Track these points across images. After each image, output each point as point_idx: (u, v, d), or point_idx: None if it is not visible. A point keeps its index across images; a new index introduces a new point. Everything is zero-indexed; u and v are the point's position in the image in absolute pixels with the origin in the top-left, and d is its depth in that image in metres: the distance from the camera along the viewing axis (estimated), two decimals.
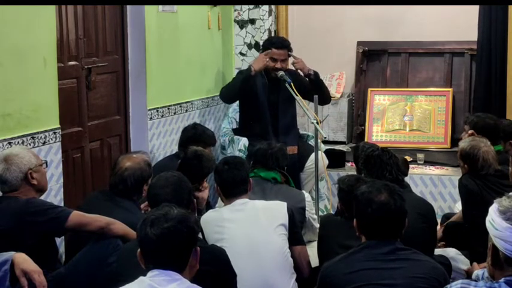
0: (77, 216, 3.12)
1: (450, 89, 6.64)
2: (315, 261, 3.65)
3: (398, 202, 2.68)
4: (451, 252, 3.89)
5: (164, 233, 2.19)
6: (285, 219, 3.31)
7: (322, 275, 2.69)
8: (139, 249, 2.26)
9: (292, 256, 3.33)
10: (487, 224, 2.08)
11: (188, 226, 2.23)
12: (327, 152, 5.45)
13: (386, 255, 2.62)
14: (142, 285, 2.19)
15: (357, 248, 2.69)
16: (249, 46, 6.15)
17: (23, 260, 2.74)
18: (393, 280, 2.56)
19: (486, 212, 3.64)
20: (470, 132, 4.50)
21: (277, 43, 5.16)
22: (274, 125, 5.16)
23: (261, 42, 5.96)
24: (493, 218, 2.06)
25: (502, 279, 2.01)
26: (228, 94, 5.22)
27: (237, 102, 5.49)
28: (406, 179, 4.06)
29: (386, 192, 2.69)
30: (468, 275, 3.57)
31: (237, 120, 5.66)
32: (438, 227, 4.04)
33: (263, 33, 6.10)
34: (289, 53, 5.20)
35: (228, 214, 3.30)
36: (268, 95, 5.14)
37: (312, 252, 3.69)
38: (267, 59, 5.06)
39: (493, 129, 4.42)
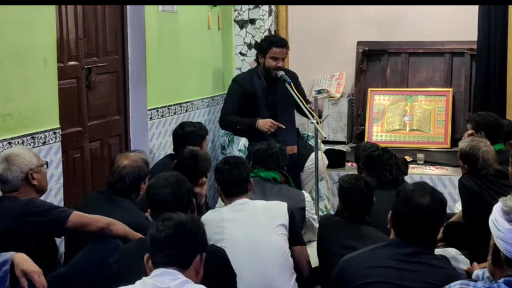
0: (77, 216, 3.12)
1: (450, 89, 6.64)
2: (314, 260, 3.65)
3: (438, 210, 2.66)
4: (451, 252, 3.89)
5: (176, 225, 2.27)
6: (285, 219, 3.31)
7: (341, 266, 2.69)
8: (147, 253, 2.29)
9: (292, 256, 3.33)
10: (490, 223, 2.05)
11: (200, 227, 2.33)
12: (327, 152, 5.44)
13: (407, 256, 2.60)
14: (145, 285, 2.21)
15: (380, 244, 2.68)
16: (249, 46, 6.14)
17: (23, 260, 2.74)
18: (410, 282, 2.55)
19: (486, 212, 3.63)
20: (470, 132, 4.50)
21: (278, 42, 5.17)
22: None
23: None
24: (496, 217, 2.03)
25: (502, 280, 2.00)
26: (226, 128, 5.34)
27: None
28: (407, 179, 4.06)
29: (430, 196, 2.66)
30: (468, 275, 3.56)
31: None
32: None
33: (263, 33, 6.09)
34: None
35: (228, 214, 3.30)
36: (266, 96, 5.14)
37: (312, 252, 3.69)
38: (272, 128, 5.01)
39: (495, 127, 4.42)
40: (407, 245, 2.63)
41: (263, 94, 5.12)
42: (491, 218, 2.05)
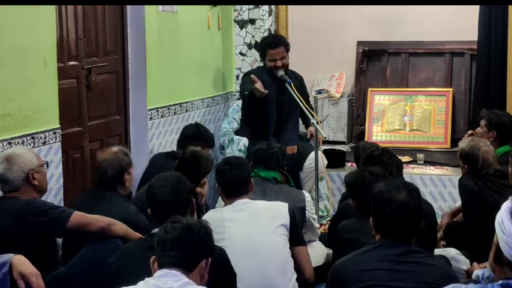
0: (78, 216, 3.12)
1: (450, 89, 6.64)
2: (315, 260, 3.66)
3: (417, 200, 2.65)
4: (451, 252, 3.89)
5: (184, 228, 2.30)
6: (286, 219, 3.31)
7: (334, 271, 2.67)
8: (156, 250, 2.31)
9: (293, 256, 3.32)
10: (496, 223, 1.96)
11: (207, 232, 2.36)
12: (327, 152, 5.44)
13: (398, 257, 2.59)
14: (147, 286, 2.21)
15: (370, 246, 2.67)
16: (249, 46, 6.14)
17: (21, 262, 2.73)
18: (403, 283, 2.53)
19: (486, 212, 3.64)
20: (469, 132, 4.50)
21: (272, 43, 5.10)
22: (278, 125, 5.14)
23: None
24: (503, 219, 1.93)
25: (500, 282, 1.98)
26: None
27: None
28: (407, 179, 4.06)
29: (405, 190, 2.65)
30: (468, 275, 3.56)
31: (237, 120, 5.66)
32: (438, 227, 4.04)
33: (263, 33, 6.09)
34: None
35: (229, 214, 3.30)
36: (275, 95, 5.11)
37: (312, 252, 3.69)
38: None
39: (507, 127, 4.41)
40: (397, 244, 2.61)
41: (273, 93, 5.08)
42: (498, 217, 1.96)
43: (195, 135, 4.55)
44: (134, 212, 3.43)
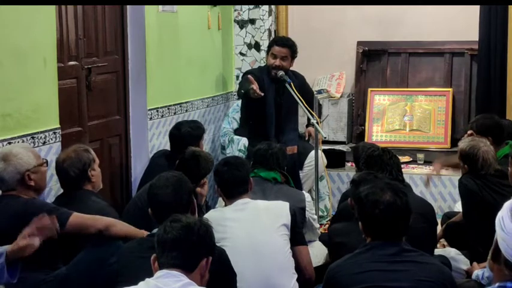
0: (76, 218, 3.11)
1: (450, 89, 6.65)
2: (315, 260, 3.66)
3: (404, 199, 2.65)
4: (451, 252, 3.90)
5: (184, 227, 2.27)
6: (287, 219, 3.31)
7: (329, 274, 2.67)
8: (156, 248, 2.30)
9: (293, 256, 3.32)
10: (496, 221, 1.96)
11: (208, 231, 2.33)
12: (327, 152, 5.44)
13: (392, 257, 2.59)
14: (148, 287, 2.21)
15: (363, 248, 2.67)
16: (249, 46, 6.15)
17: (13, 244, 2.73)
18: (399, 283, 2.53)
19: (486, 212, 3.64)
20: (469, 132, 4.49)
21: (279, 41, 5.16)
22: (278, 125, 5.14)
23: (261, 42, 5.99)
24: (504, 217, 1.93)
25: (496, 285, 1.98)
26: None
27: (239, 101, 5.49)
28: (406, 179, 4.06)
29: (390, 191, 2.65)
30: (468, 275, 3.57)
31: (237, 120, 5.65)
32: (438, 226, 4.04)
33: (263, 33, 6.10)
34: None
35: (230, 213, 3.30)
36: (274, 96, 5.11)
37: (312, 252, 3.69)
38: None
39: (495, 127, 4.38)
40: (389, 245, 2.62)
41: (272, 93, 5.08)
42: (499, 215, 1.96)
43: (183, 139, 4.44)
44: (101, 206, 3.42)
